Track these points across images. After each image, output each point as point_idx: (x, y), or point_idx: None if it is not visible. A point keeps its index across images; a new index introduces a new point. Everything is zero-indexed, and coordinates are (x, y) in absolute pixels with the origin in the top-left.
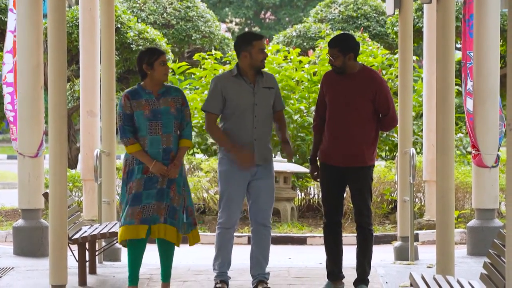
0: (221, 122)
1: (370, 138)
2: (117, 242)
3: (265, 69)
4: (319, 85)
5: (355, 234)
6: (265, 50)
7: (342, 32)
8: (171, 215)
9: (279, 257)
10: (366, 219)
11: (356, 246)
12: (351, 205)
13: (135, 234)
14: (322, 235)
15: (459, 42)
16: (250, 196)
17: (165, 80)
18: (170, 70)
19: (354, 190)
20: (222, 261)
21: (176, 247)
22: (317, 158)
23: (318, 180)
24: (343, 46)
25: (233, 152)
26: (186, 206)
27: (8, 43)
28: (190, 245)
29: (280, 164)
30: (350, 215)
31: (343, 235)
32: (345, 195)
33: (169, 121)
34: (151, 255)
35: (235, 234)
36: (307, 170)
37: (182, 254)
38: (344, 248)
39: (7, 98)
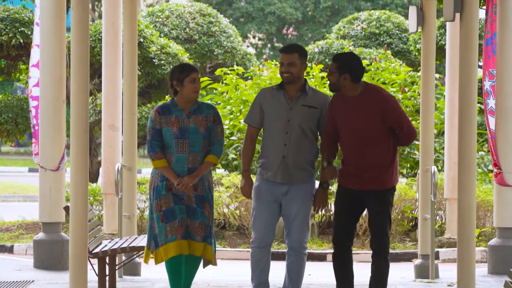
0: (262, 135)
1: (388, 158)
2: (137, 256)
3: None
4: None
5: (365, 251)
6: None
7: (350, 51)
8: (209, 234)
9: None
10: (384, 247)
11: (370, 277)
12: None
13: (179, 250)
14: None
15: (481, 60)
16: (283, 217)
17: (195, 98)
18: None
19: (372, 215)
20: (257, 282)
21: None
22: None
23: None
24: (342, 64)
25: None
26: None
27: (35, 57)
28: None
29: None
30: (360, 230)
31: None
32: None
33: (197, 141)
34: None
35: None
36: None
37: (202, 269)
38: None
39: (32, 112)
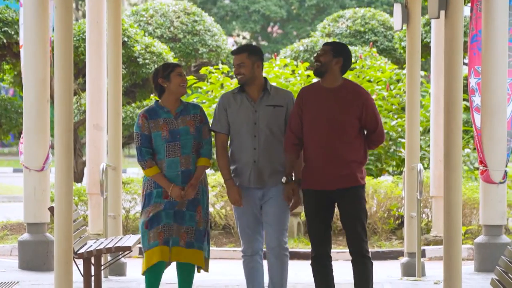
0: (230, 141)
1: (359, 156)
2: (122, 256)
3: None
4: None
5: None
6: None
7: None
8: (198, 239)
9: None
10: (365, 245)
11: (353, 278)
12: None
13: (161, 256)
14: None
15: (466, 57)
16: (262, 220)
17: (183, 93)
18: None
19: (348, 213)
20: None
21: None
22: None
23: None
24: (336, 48)
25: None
26: (208, 230)
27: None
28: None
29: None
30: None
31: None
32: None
33: (188, 142)
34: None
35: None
36: None
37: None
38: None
39: None
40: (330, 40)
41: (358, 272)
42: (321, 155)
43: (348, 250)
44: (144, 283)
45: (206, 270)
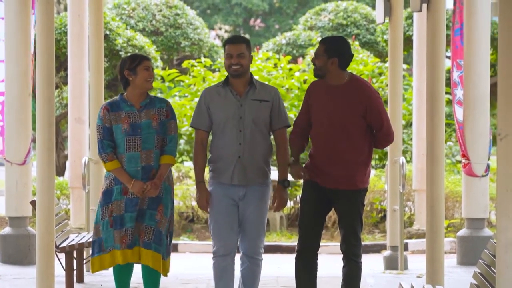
0: (212, 137)
1: (362, 157)
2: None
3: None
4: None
5: (338, 243)
6: (233, 58)
7: (339, 35)
8: (156, 240)
9: (268, 266)
10: (354, 249)
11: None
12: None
13: (123, 259)
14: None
15: (449, 51)
16: (239, 221)
17: (149, 88)
18: (159, 78)
19: (341, 215)
20: None
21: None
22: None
23: (303, 177)
24: (330, 47)
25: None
26: (170, 232)
27: (1, 53)
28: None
29: None
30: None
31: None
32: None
33: (150, 136)
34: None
35: None
36: None
37: (171, 262)
38: (325, 257)
39: None
40: (312, 33)
41: (344, 271)
42: (323, 153)
43: (331, 244)
44: (114, 285)
45: (165, 274)
